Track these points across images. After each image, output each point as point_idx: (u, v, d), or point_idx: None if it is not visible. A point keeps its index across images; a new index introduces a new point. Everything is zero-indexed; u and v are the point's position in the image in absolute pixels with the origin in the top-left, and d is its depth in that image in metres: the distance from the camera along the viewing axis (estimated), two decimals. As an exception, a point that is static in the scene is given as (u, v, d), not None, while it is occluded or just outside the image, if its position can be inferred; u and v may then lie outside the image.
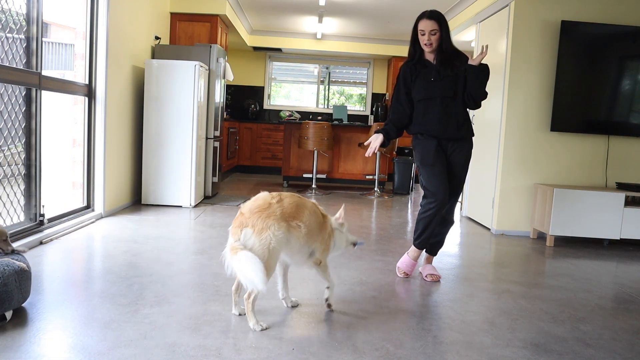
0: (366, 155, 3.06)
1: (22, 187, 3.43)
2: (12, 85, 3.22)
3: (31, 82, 3.36)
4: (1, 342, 1.95)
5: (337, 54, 9.36)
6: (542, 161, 4.70)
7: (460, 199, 6.12)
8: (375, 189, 6.98)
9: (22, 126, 3.38)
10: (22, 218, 3.43)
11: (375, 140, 3.05)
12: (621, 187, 4.55)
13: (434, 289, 2.98)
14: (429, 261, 3.26)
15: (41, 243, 3.39)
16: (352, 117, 9.65)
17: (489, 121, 5.04)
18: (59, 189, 4.66)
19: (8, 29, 3.16)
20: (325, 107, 9.94)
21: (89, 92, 4.21)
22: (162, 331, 2.13)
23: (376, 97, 9.75)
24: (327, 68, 9.88)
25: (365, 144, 3.15)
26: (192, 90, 4.99)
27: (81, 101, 4.20)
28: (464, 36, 7.06)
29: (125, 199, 4.91)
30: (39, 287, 2.57)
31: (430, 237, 3.14)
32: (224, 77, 5.90)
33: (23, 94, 3.37)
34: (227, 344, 2.04)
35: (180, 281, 2.81)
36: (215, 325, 2.22)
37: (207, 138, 5.56)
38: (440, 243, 3.25)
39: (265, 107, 9.76)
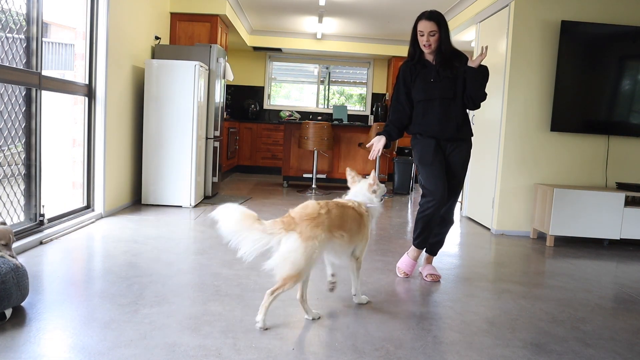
0: (370, 158, 3.05)
1: (22, 187, 3.43)
2: (12, 85, 3.22)
3: (31, 82, 3.36)
4: (1, 342, 1.95)
5: (337, 54, 9.36)
6: (542, 161, 4.70)
7: (460, 199, 6.12)
8: (375, 189, 6.96)
9: (22, 126, 3.38)
10: (22, 218, 3.43)
11: (377, 143, 3.04)
12: (621, 187, 4.56)
13: (434, 289, 2.98)
14: (429, 261, 3.26)
15: (41, 243, 3.39)
16: (352, 117, 9.65)
17: (489, 121, 5.04)
18: (59, 189, 4.66)
19: (8, 29, 3.16)
20: (325, 107, 9.94)
21: (89, 92, 4.21)
22: (162, 331, 2.13)
23: (376, 97, 9.75)
24: (327, 68, 9.88)
25: (367, 146, 3.15)
26: (192, 90, 4.99)
27: (81, 101, 4.20)
28: (464, 36, 7.06)
29: (125, 199, 4.91)
30: (38, 287, 2.57)
31: (429, 237, 3.14)
32: (224, 77, 5.90)
33: (23, 94, 3.37)
34: (227, 344, 2.04)
35: (180, 281, 2.81)
36: (215, 325, 2.22)
37: (207, 138, 5.56)
38: (440, 243, 3.25)
39: (265, 107, 9.76)
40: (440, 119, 3.02)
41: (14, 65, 3.22)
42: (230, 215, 2.16)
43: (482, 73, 2.99)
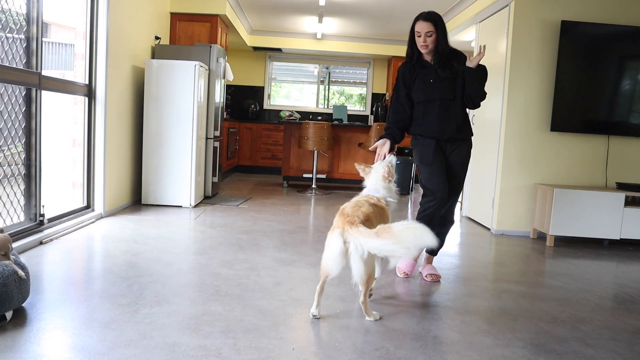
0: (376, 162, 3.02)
1: (22, 187, 3.43)
2: (12, 85, 3.22)
3: (31, 82, 3.36)
4: (1, 342, 1.95)
5: (337, 54, 9.36)
6: (542, 161, 4.70)
7: (460, 199, 6.12)
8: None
9: (22, 126, 3.38)
10: (22, 218, 3.43)
11: (382, 147, 3.03)
12: (621, 187, 4.56)
13: (434, 289, 2.98)
14: (429, 261, 3.26)
15: (41, 243, 3.39)
16: (352, 117, 9.65)
17: (489, 121, 5.04)
18: (59, 189, 4.66)
19: (8, 29, 3.16)
20: (325, 107, 9.94)
21: (89, 92, 4.21)
22: (162, 331, 2.13)
23: (376, 97, 9.75)
24: (327, 68, 9.88)
25: (371, 149, 3.15)
26: (192, 90, 4.99)
27: (81, 101, 4.20)
28: (464, 36, 7.06)
29: (125, 199, 4.91)
30: (38, 287, 2.57)
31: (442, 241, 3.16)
32: (224, 77, 5.90)
33: (23, 94, 3.37)
34: (227, 344, 2.04)
35: (180, 281, 2.81)
36: (215, 325, 2.22)
37: (207, 138, 5.56)
38: (440, 243, 3.25)
39: (265, 107, 9.76)
40: (441, 120, 3.02)
41: (14, 65, 3.22)
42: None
43: (481, 73, 2.99)
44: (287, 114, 9.39)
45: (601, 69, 4.60)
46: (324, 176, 7.39)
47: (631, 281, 3.42)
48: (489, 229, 4.94)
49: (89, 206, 4.30)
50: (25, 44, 3.33)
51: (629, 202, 4.37)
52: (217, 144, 5.76)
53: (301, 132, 6.79)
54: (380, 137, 3.09)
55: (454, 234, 4.67)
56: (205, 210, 5.01)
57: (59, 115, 4.97)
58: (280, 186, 7.34)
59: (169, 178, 5.06)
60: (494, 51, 5.01)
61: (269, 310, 2.43)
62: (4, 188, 3.25)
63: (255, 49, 9.20)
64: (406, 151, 8.33)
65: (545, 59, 4.62)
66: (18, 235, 3.27)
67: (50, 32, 9.12)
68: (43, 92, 3.49)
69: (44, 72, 3.48)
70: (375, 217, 2.48)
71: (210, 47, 5.50)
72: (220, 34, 6.47)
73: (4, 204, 3.26)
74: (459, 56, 3.05)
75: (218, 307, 2.43)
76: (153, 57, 5.44)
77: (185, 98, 5.00)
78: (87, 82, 4.20)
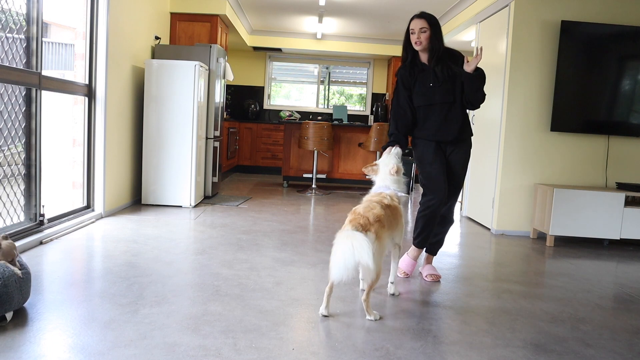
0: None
1: (22, 187, 3.43)
2: (12, 85, 3.22)
3: (31, 82, 3.36)
4: (1, 342, 1.95)
5: (337, 54, 9.36)
6: (542, 161, 4.70)
7: (460, 199, 6.12)
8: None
9: (22, 126, 3.38)
10: (22, 218, 3.43)
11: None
12: (621, 187, 4.56)
13: (434, 289, 2.98)
14: (429, 261, 3.26)
15: (41, 243, 3.39)
16: (352, 117, 9.65)
17: (489, 121, 5.04)
18: (59, 189, 4.66)
19: (8, 29, 3.16)
20: (325, 107, 9.94)
21: (89, 92, 4.21)
22: (162, 331, 2.13)
23: (376, 97, 9.75)
24: (327, 68, 9.88)
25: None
26: (192, 90, 4.99)
27: (81, 101, 4.20)
28: (464, 36, 7.06)
29: (125, 199, 4.91)
30: (39, 287, 2.57)
31: (429, 236, 3.14)
32: (224, 77, 5.90)
33: (23, 94, 3.37)
34: (227, 344, 2.04)
35: (180, 281, 2.81)
36: (215, 325, 2.22)
37: (207, 138, 5.56)
38: (440, 243, 3.25)
39: (265, 107, 9.76)
40: (442, 124, 3.03)
41: (14, 65, 3.22)
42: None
43: (479, 78, 2.98)
44: (287, 114, 9.39)
45: (601, 69, 4.60)
46: (324, 176, 7.39)
47: (631, 281, 3.42)
48: (489, 229, 4.94)
49: (89, 206, 4.30)
50: (25, 44, 3.33)
51: (629, 202, 4.37)
52: (217, 144, 5.76)
53: (301, 132, 6.79)
54: (385, 146, 3.02)
55: (454, 234, 4.67)
56: (205, 210, 5.01)
57: (59, 115, 4.97)
58: (280, 186, 7.34)
59: (169, 178, 5.06)
60: (494, 51, 5.01)
61: (269, 310, 2.43)
62: (4, 188, 3.25)
63: (255, 49, 9.19)
64: (406, 151, 8.31)
65: (545, 59, 4.62)
66: (18, 235, 3.27)
67: (50, 32, 9.12)
68: (43, 92, 3.49)
69: (44, 72, 3.48)
70: (387, 219, 2.51)
71: (210, 47, 5.50)
72: (220, 34, 6.47)
73: (4, 204, 3.26)
74: (456, 56, 3.04)
75: (218, 307, 2.43)
76: (153, 57, 5.44)
77: (185, 98, 5.00)
78: (87, 82, 4.20)
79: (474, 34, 6.02)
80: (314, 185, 6.95)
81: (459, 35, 6.92)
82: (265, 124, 8.96)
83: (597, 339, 2.35)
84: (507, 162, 4.71)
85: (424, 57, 3.06)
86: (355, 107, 10.01)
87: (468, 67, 2.92)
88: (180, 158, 5.04)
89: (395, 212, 2.64)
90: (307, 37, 8.91)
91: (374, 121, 9.20)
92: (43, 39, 3.46)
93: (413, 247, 3.18)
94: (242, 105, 9.41)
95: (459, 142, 3.09)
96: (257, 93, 9.73)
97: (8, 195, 3.29)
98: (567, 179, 4.72)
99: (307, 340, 2.15)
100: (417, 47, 3.01)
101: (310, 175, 7.24)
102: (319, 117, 9.48)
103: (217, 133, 5.80)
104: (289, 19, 7.83)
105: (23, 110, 3.38)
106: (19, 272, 2.21)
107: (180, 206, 5.08)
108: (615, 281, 3.42)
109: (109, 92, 4.34)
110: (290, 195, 6.52)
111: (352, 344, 2.12)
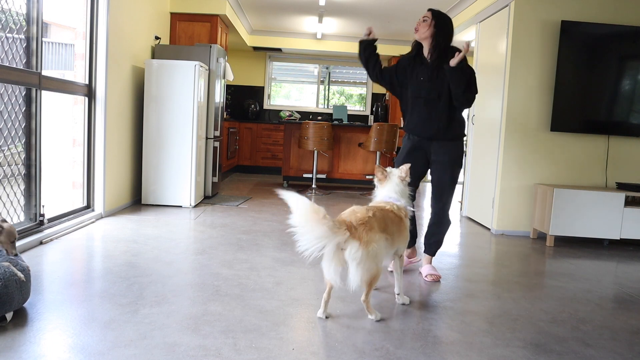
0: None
1: (22, 187, 3.43)
2: (12, 85, 3.22)
3: (31, 82, 3.36)
4: (1, 342, 1.95)
5: (337, 54, 9.36)
6: (542, 161, 4.70)
7: (460, 199, 6.12)
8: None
9: (22, 126, 3.38)
10: (22, 218, 3.43)
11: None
12: (621, 187, 4.56)
13: (434, 289, 2.98)
14: (428, 261, 3.26)
15: (41, 243, 3.39)
16: (352, 117, 9.65)
17: (489, 121, 5.04)
18: (59, 189, 4.66)
19: (8, 29, 3.16)
20: (325, 107, 9.94)
21: (89, 92, 4.21)
22: (162, 331, 2.13)
23: (376, 97, 9.75)
24: (327, 68, 9.88)
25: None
26: (192, 90, 4.99)
27: (81, 101, 4.20)
28: (464, 36, 7.06)
29: (125, 199, 4.91)
30: (39, 287, 2.57)
31: (414, 234, 3.24)
32: (224, 77, 5.90)
33: (23, 94, 3.37)
34: (227, 344, 2.04)
35: (180, 281, 2.81)
36: (215, 325, 2.22)
37: (207, 138, 5.56)
38: (438, 243, 3.26)
39: (265, 107, 9.77)
40: (424, 119, 3.10)
41: (14, 65, 3.22)
42: (301, 206, 2.21)
43: (462, 71, 2.93)
44: (287, 114, 9.39)
45: (601, 69, 4.59)
46: (324, 176, 7.39)
47: (631, 281, 3.42)
48: (489, 229, 4.94)
49: (89, 206, 4.30)
50: (25, 44, 3.33)
51: (629, 202, 4.37)
52: (217, 144, 5.76)
53: (301, 132, 6.78)
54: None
55: (454, 234, 4.67)
56: (205, 210, 5.01)
57: (59, 115, 4.97)
58: (280, 186, 7.34)
59: (169, 178, 5.06)
60: (494, 51, 5.01)
61: (269, 310, 2.43)
62: (4, 188, 3.25)
63: (255, 49, 9.19)
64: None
65: (545, 59, 4.62)
66: (18, 235, 3.26)
67: (50, 32, 9.13)
68: (43, 92, 3.49)
69: (44, 72, 3.48)
70: (392, 223, 2.46)
71: (210, 47, 5.50)
72: (220, 34, 6.47)
73: (4, 204, 3.26)
74: (454, 52, 3.06)
75: (218, 307, 2.43)
76: (153, 57, 5.44)
77: (185, 98, 5.00)
78: (87, 82, 4.20)
79: (474, 34, 6.02)
80: (314, 185, 6.95)
81: (459, 35, 6.92)
82: (265, 124, 8.96)
83: (597, 339, 2.35)
84: (507, 162, 4.71)
85: (426, 51, 3.09)
86: (355, 107, 10.01)
87: (452, 62, 2.93)
88: (180, 158, 5.04)
89: (399, 224, 2.55)
90: (307, 37, 8.91)
91: (374, 121, 9.20)
92: (43, 39, 3.46)
93: None
94: (242, 105, 9.41)
95: (444, 141, 3.10)
96: (257, 93, 9.73)
97: (8, 195, 3.29)
98: (567, 179, 4.72)
99: (307, 340, 2.15)
100: (415, 34, 3.09)
101: (310, 175, 7.24)
102: (319, 117, 9.48)
103: (217, 133, 5.80)
104: (289, 19, 7.83)
105: (23, 110, 3.38)
106: (21, 275, 2.22)
107: (180, 206, 5.08)
108: (615, 281, 3.42)
109: (109, 92, 4.34)
110: (290, 195, 6.51)
111: (352, 344, 2.12)
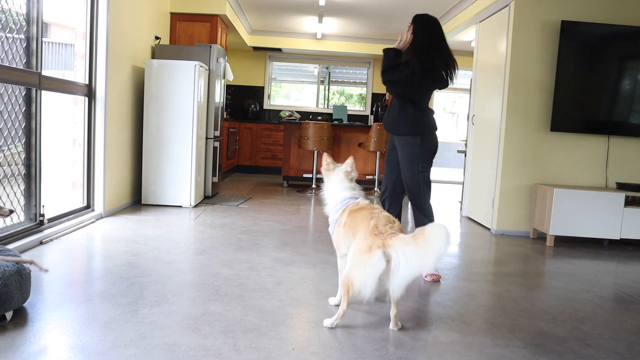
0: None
1: (22, 187, 3.43)
2: (12, 85, 3.22)
3: (31, 82, 3.36)
4: (1, 342, 1.95)
5: (337, 54, 9.36)
6: (542, 161, 4.70)
7: (460, 199, 6.12)
8: (376, 188, 6.98)
9: (22, 126, 3.38)
10: (22, 218, 3.43)
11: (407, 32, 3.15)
12: (621, 187, 4.55)
13: (434, 289, 2.98)
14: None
15: (41, 243, 3.39)
16: (352, 117, 9.65)
17: (489, 121, 5.04)
18: (59, 189, 4.66)
19: (8, 29, 3.16)
20: (325, 107, 9.94)
21: (89, 92, 4.21)
22: (162, 331, 2.13)
23: (376, 97, 9.74)
24: (327, 68, 9.88)
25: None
26: (192, 90, 4.99)
27: (81, 101, 4.20)
28: (464, 36, 7.06)
29: (125, 199, 4.91)
30: (39, 287, 2.57)
31: None
32: (224, 77, 5.90)
33: (23, 94, 3.37)
34: (227, 344, 2.04)
35: (180, 281, 2.81)
36: (215, 325, 2.22)
37: (207, 138, 5.56)
38: None
39: (265, 107, 9.76)
40: (387, 112, 3.32)
41: (14, 65, 3.22)
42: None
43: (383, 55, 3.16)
44: (287, 114, 9.39)
45: (601, 69, 4.59)
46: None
47: (631, 281, 3.42)
48: (489, 229, 4.94)
49: (89, 206, 4.30)
50: (25, 44, 3.33)
51: (629, 202, 4.37)
52: (217, 144, 5.76)
53: (301, 132, 6.79)
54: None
55: (454, 234, 4.66)
56: (205, 210, 5.01)
57: (59, 115, 4.97)
58: (280, 186, 7.34)
59: (169, 178, 5.06)
60: (494, 51, 5.01)
61: (269, 310, 2.43)
62: (4, 188, 3.25)
63: (255, 49, 9.19)
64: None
65: (545, 59, 4.62)
66: (18, 235, 3.27)
67: (50, 32, 9.13)
68: (43, 92, 3.49)
69: (44, 72, 3.48)
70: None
71: (210, 47, 5.50)
72: (220, 34, 6.47)
73: (4, 204, 3.25)
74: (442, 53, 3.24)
75: (218, 307, 2.43)
76: (153, 57, 5.44)
77: (185, 98, 5.00)
78: (87, 82, 4.20)
79: (474, 34, 6.02)
80: (314, 185, 6.95)
81: (459, 35, 6.92)
82: (265, 124, 8.96)
83: (597, 339, 2.35)
84: (507, 162, 4.71)
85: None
86: (355, 107, 10.01)
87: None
88: (180, 158, 5.04)
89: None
90: (307, 37, 8.91)
91: (374, 121, 9.19)
92: (43, 39, 3.46)
93: None
94: (242, 105, 9.41)
95: (402, 136, 3.22)
96: (257, 93, 9.73)
97: (8, 195, 3.29)
98: (567, 179, 4.72)
99: (307, 340, 2.15)
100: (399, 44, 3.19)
101: (310, 175, 7.24)
102: (319, 117, 9.48)
103: (217, 133, 5.80)
104: (289, 19, 7.83)
105: (23, 110, 3.38)
106: (27, 264, 2.23)
107: (180, 206, 5.08)
108: (615, 281, 3.42)
109: (109, 92, 4.34)
110: (290, 195, 6.52)
111: (352, 344, 2.12)
